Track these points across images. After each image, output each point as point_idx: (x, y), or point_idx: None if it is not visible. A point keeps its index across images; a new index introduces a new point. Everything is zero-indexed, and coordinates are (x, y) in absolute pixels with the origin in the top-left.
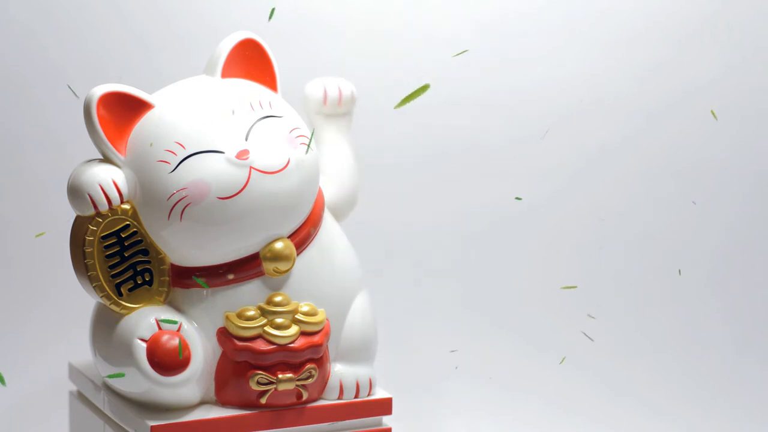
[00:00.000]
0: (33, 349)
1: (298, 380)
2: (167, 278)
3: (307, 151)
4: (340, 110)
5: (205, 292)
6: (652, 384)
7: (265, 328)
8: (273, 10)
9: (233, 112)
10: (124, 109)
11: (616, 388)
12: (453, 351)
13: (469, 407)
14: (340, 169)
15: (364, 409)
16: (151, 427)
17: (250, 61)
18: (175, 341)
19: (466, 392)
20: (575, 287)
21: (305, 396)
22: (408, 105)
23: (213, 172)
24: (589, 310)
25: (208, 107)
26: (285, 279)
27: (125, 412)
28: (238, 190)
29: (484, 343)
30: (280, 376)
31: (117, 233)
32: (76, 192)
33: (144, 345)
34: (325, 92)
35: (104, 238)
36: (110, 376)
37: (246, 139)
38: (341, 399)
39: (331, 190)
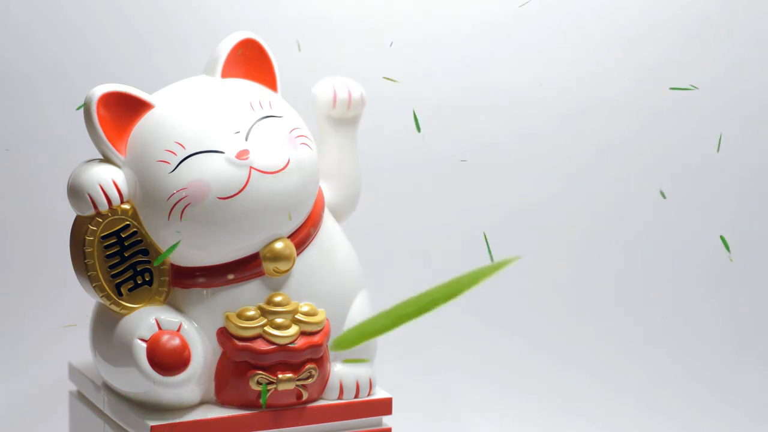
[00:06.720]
0: (33, 349)
1: (298, 380)
2: (167, 278)
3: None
4: (348, 114)
5: (205, 292)
6: (652, 384)
7: (265, 328)
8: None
9: (233, 112)
10: (124, 109)
11: (616, 388)
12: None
13: (469, 407)
14: (343, 174)
15: (364, 409)
16: (151, 427)
17: (250, 61)
18: (176, 341)
19: (467, 392)
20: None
21: (305, 396)
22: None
23: (213, 172)
24: (589, 310)
25: (208, 107)
26: (285, 279)
27: (125, 412)
28: (238, 190)
29: (484, 343)
30: (280, 376)
31: (117, 233)
32: (76, 192)
33: (144, 345)
34: (335, 94)
35: (104, 238)
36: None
37: (246, 139)
38: (341, 399)
39: (332, 194)
